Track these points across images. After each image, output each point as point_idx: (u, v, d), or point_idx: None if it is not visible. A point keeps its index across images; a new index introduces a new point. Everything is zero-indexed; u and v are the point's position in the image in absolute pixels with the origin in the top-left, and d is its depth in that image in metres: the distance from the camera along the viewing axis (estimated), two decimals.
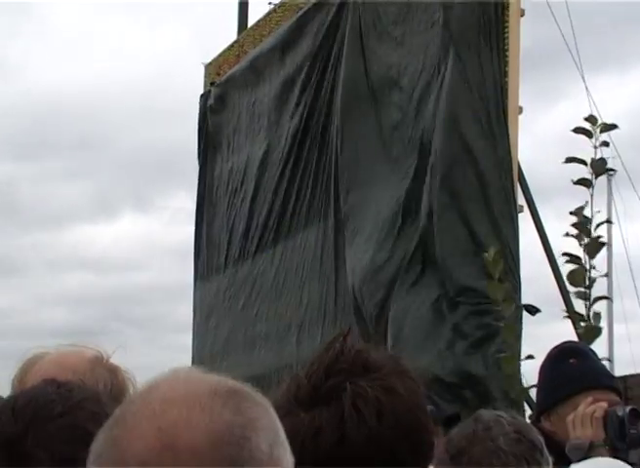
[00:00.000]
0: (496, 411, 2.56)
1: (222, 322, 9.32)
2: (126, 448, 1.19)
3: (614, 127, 5.37)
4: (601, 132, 5.31)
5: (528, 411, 5.27)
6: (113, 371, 2.25)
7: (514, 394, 5.24)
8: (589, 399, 3.18)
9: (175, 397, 1.23)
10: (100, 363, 2.32)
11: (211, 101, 9.89)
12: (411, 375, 1.81)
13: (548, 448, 3.09)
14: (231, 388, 1.26)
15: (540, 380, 3.58)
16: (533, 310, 5.60)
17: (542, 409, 3.48)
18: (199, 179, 10.04)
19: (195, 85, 10.46)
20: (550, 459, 2.34)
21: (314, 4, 8.29)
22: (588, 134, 5.32)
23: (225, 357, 9.02)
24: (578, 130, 5.34)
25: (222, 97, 9.73)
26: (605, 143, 5.33)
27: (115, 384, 2.18)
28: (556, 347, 3.72)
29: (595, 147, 5.27)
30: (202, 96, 10.08)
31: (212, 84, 9.92)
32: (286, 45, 8.48)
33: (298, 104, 8.33)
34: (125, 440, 1.20)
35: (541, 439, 2.40)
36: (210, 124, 9.78)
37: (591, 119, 5.37)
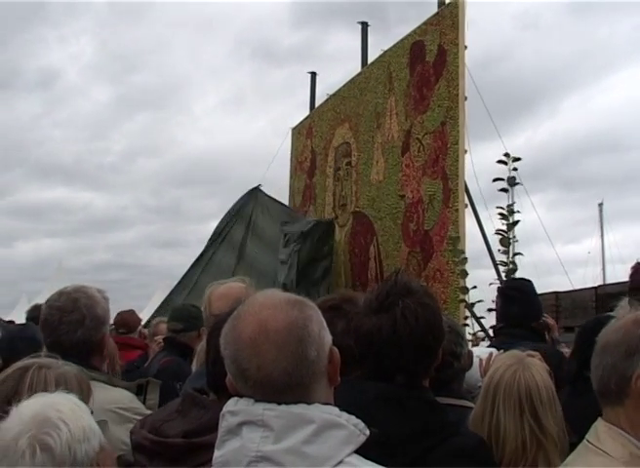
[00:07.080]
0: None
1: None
2: (240, 330, 1.31)
3: (519, 159, 5.71)
4: (513, 161, 5.66)
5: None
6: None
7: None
8: None
9: (266, 303, 1.34)
10: (248, 288, 2.75)
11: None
12: (433, 296, 1.92)
13: None
14: (297, 299, 1.37)
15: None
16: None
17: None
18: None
19: (285, 144, 10.62)
20: (468, 342, 2.42)
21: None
22: (504, 163, 5.70)
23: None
24: (500, 161, 5.71)
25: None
26: (515, 169, 5.67)
27: None
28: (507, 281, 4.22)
29: (510, 171, 5.68)
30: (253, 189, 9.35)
31: (255, 187, 9.29)
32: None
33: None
34: (240, 326, 1.32)
35: (463, 329, 2.49)
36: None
37: (507, 155, 5.71)
